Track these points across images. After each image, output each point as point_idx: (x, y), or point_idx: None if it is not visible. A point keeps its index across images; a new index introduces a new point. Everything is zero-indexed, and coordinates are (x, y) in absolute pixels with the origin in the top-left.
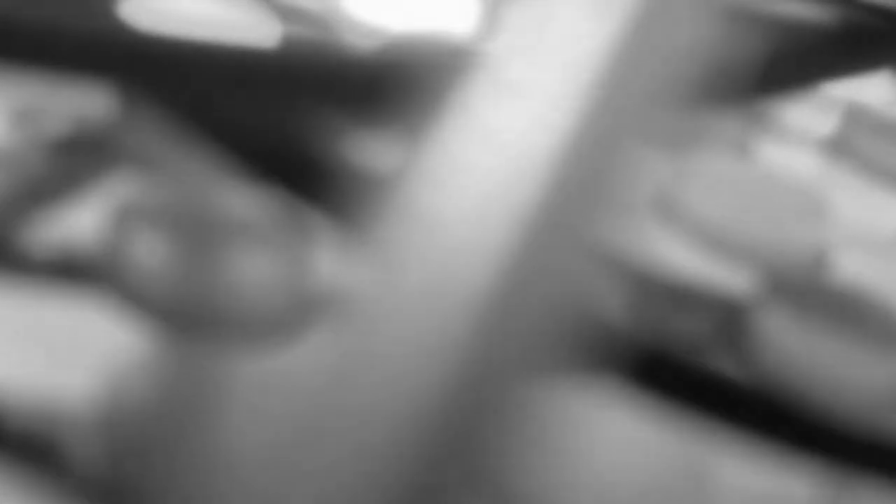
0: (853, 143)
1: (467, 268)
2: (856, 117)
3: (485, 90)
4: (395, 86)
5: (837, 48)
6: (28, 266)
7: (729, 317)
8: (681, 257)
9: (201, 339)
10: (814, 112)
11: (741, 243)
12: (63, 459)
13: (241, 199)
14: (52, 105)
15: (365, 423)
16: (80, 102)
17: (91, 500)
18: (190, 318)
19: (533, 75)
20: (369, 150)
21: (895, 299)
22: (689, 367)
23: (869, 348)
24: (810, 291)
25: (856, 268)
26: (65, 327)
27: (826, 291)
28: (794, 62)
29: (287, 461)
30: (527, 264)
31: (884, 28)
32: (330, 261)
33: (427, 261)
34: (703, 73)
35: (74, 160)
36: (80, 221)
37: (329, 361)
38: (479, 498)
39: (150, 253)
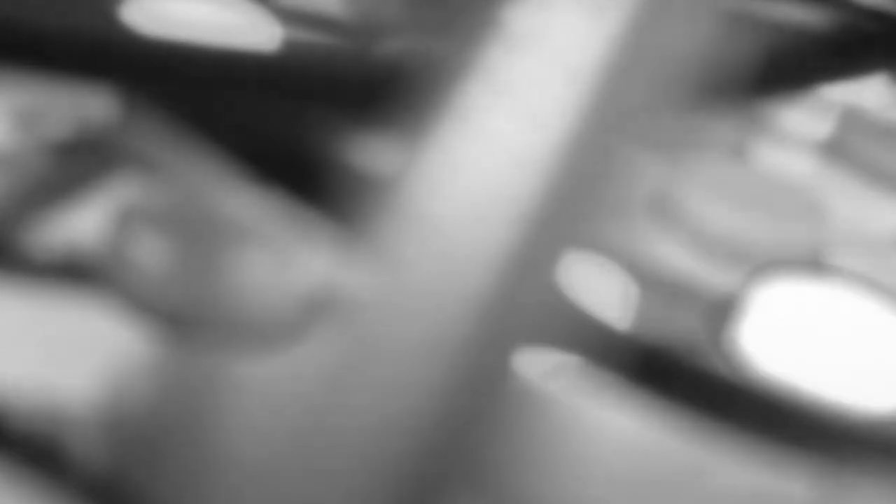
0: (850, 146)
1: (466, 269)
2: (852, 120)
3: (483, 93)
4: (395, 89)
5: (834, 52)
6: (31, 268)
7: (725, 317)
8: (678, 258)
9: (203, 341)
10: (810, 115)
11: (738, 244)
12: (65, 460)
13: (243, 202)
14: (54, 108)
15: (365, 423)
16: (83, 105)
17: (93, 501)
18: (191, 320)
19: (531, 78)
20: (369, 152)
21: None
22: (686, 366)
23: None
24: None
25: (852, 268)
26: (67, 329)
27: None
28: (791, 65)
29: (288, 461)
30: (525, 266)
31: (880, 32)
32: (330, 263)
33: (426, 262)
34: (701, 76)
35: (76, 163)
36: (82, 224)
37: (329, 362)
38: (479, 497)
39: (151, 255)
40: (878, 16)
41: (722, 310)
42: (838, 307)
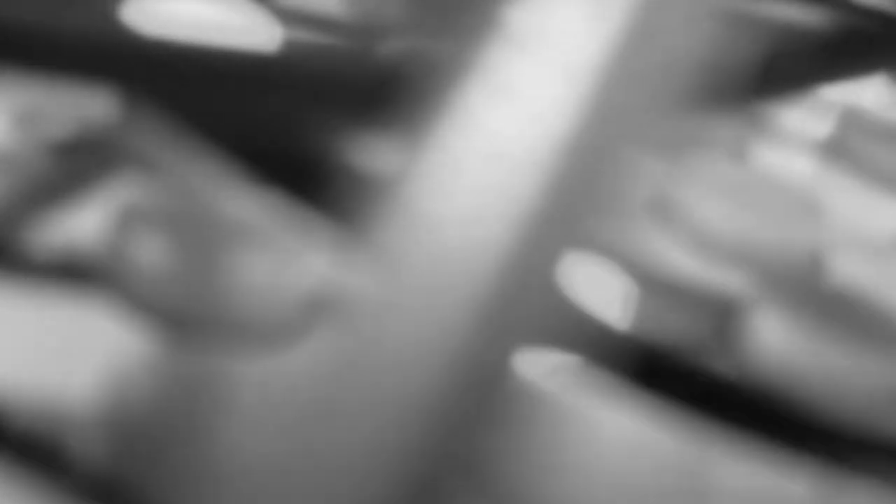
0: (849, 146)
1: (466, 269)
2: (852, 120)
3: (483, 94)
4: (396, 89)
5: (834, 52)
6: (31, 268)
7: (725, 317)
8: (678, 258)
9: (203, 341)
10: (810, 115)
11: (738, 245)
12: (66, 460)
13: (243, 202)
14: (54, 108)
15: (364, 423)
16: (83, 105)
17: (93, 501)
18: (191, 320)
19: (531, 79)
20: (369, 152)
21: (890, 301)
22: (686, 366)
23: (863, 349)
24: (806, 293)
25: (851, 269)
26: (67, 329)
27: (822, 293)
28: (790, 66)
29: (287, 462)
30: (525, 266)
31: (879, 32)
32: (330, 263)
33: (426, 262)
34: (701, 76)
35: (77, 163)
36: (82, 224)
37: (329, 363)
38: (477, 497)
39: (151, 255)
40: (877, 16)
41: (722, 310)
42: None
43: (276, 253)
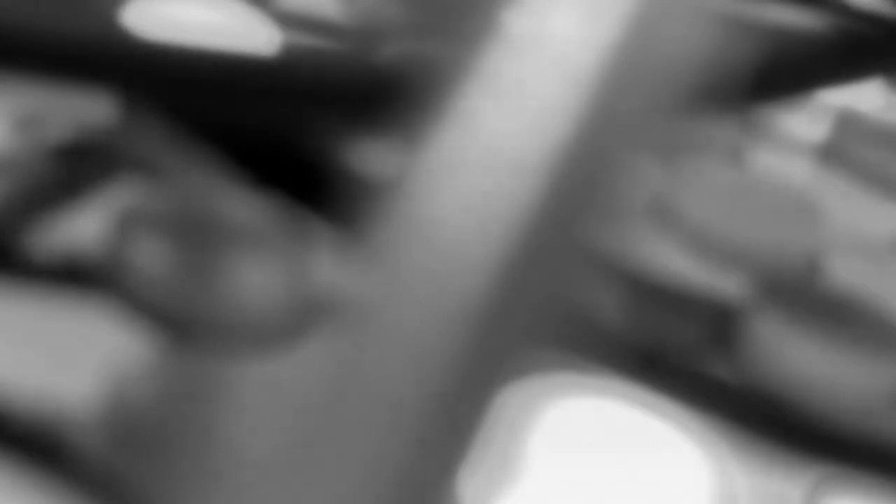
0: (846, 150)
1: (465, 273)
2: (848, 124)
3: (482, 96)
4: (395, 92)
5: (831, 56)
6: (31, 271)
7: (723, 321)
8: (675, 262)
9: (203, 344)
10: (808, 119)
11: (735, 248)
12: (66, 462)
13: (243, 205)
14: (54, 111)
15: (363, 428)
16: (83, 109)
17: (93, 502)
18: (191, 323)
19: (530, 82)
20: (368, 156)
21: (888, 304)
22: (684, 370)
23: (861, 353)
24: (803, 296)
25: (848, 273)
26: (68, 332)
27: (819, 296)
28: (787, 69)
29: (286, 465)
30: (524, 270)
31: (876, 36)
32: (330, 266)
33: (425, 266)
34: (699, 80)
35: (77, 166)
36: (82, 227)
37: (329, 366)
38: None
39: (152, 258)
40: (875, 19)
41: (720, 313)
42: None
43: (276, 256)
